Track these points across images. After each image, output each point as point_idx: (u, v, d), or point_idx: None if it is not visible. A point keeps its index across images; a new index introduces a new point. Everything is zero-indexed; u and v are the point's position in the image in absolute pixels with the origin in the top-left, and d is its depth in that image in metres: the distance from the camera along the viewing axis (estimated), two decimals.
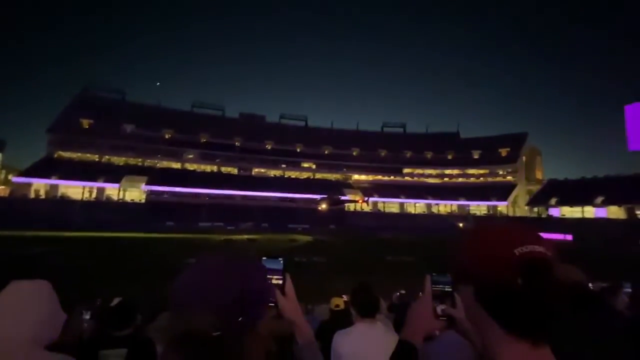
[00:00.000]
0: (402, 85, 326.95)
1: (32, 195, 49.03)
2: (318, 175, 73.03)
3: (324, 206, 57.68)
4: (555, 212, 55.30)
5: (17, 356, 0.89)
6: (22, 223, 33.81)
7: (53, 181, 50.36)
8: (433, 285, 0.82)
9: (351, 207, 65.14)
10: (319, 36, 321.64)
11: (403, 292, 6.01)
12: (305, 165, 74.06)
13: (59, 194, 50.57)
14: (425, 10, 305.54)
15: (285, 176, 71.11)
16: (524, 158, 69.25)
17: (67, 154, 57.18)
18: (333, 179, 72.82)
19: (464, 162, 74.88)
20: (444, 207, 69.06)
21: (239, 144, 70.75)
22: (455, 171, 75.55)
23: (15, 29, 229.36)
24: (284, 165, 72.29)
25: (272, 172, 71.01)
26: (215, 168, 67.13)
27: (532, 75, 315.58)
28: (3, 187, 52.58)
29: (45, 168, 51.70)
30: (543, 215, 56.47)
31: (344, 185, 69.81)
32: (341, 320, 3.17)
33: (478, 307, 0.53)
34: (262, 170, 70.27)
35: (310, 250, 21.99)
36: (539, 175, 72.05)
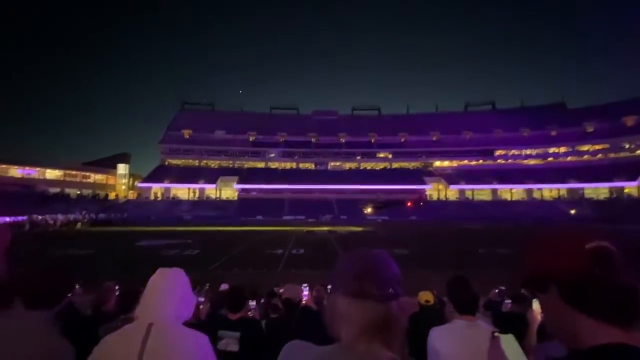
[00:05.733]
0: (487, 59, 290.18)
1: (152, 197, 59.62)
2: (395, 165, 70.76)
3: (369, 210, 53.71)
4: None
5: (167, 330, 1.09)
6: (146, 219, 41.97)
7: (165, 185, 60.30)
8: None
9: (434, 195, 61.43)
10: (387, 17, 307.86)
11: (503, 288, 5.38)
12: (381, 155, 72.54)
13: (171, 195, 60.30)
14: None
15: (361, 168, 70.88)
16: None
17: (174, 161, 67.76)
18: (411, 167, 69.62)
19: (572, 137, 63.22)
20: (549, 191, 59.58)
21: (314, 140, 73.25)
22: (562, 149, 64.39)
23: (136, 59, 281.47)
24: (358, 157, 72.14)
25: (347, 165, 71.58)
26: (294, 165, 70.97)
27: None
28: (132, 191, 65.37)
29: (159, 174, 62.28)
30: None
31: (424, 173, 66.08)
32: (432, 315, 3.03)
33: (565, 306, 0.59)
34: (337, 164, 71.40)
35: (390, 242, 21.49)
36: None
